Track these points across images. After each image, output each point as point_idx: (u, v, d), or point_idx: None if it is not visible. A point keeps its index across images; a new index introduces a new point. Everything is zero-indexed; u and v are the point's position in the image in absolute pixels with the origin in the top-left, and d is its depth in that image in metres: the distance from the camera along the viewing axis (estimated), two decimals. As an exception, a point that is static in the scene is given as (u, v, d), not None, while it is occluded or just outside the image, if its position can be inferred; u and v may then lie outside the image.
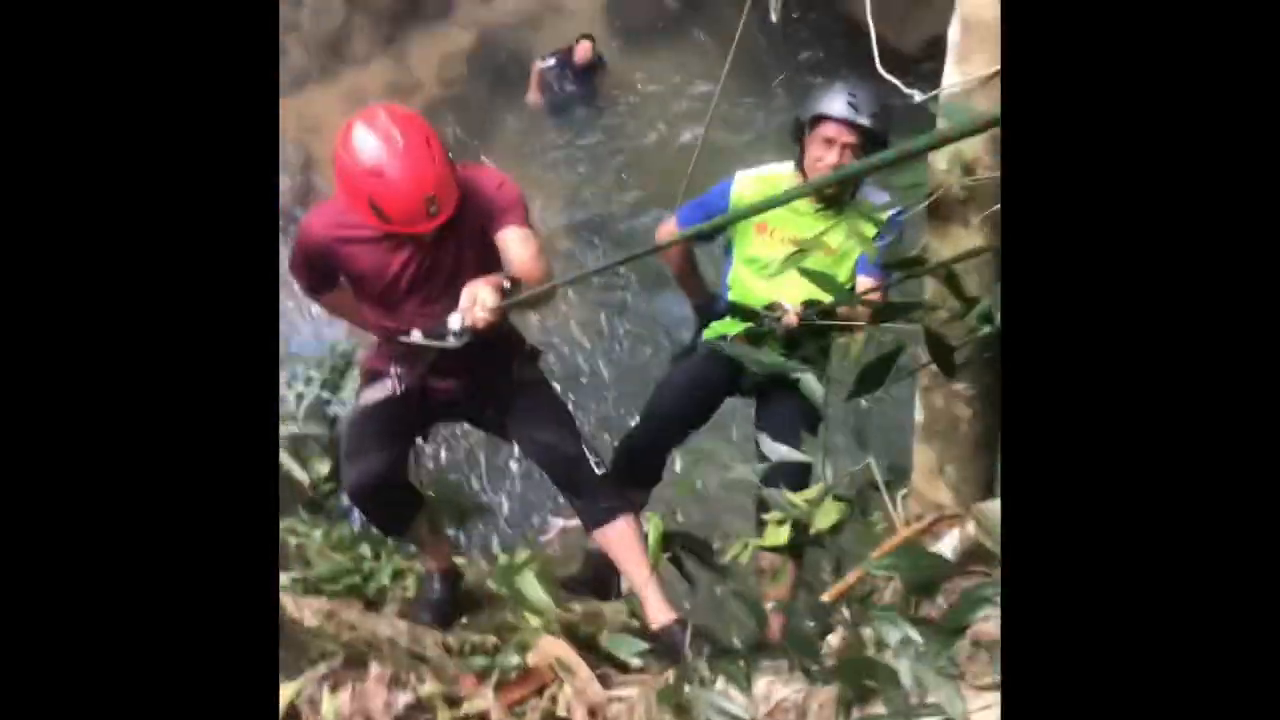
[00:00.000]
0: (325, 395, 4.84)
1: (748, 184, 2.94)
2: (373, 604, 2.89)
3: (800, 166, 2.85)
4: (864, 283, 2.82)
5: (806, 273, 1.68)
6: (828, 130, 2.74)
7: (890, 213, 2.55)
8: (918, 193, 1.83)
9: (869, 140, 2.72)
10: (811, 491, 2.06)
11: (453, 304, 2.44)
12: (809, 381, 1.69)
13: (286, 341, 6.59)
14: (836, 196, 2.84)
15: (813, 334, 2.48)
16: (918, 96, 2.03)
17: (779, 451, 1.85)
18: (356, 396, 2.82)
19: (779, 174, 2.93)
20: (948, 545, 1.49)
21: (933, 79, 2.20)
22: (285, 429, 4.63)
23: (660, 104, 8.93)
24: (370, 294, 2.63)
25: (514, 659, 2.10)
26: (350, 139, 2.39)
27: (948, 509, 1.91)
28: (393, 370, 2.72)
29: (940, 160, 1.79)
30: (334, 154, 2.44)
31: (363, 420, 2.69)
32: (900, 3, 7.90)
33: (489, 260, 2.57)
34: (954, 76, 1.72)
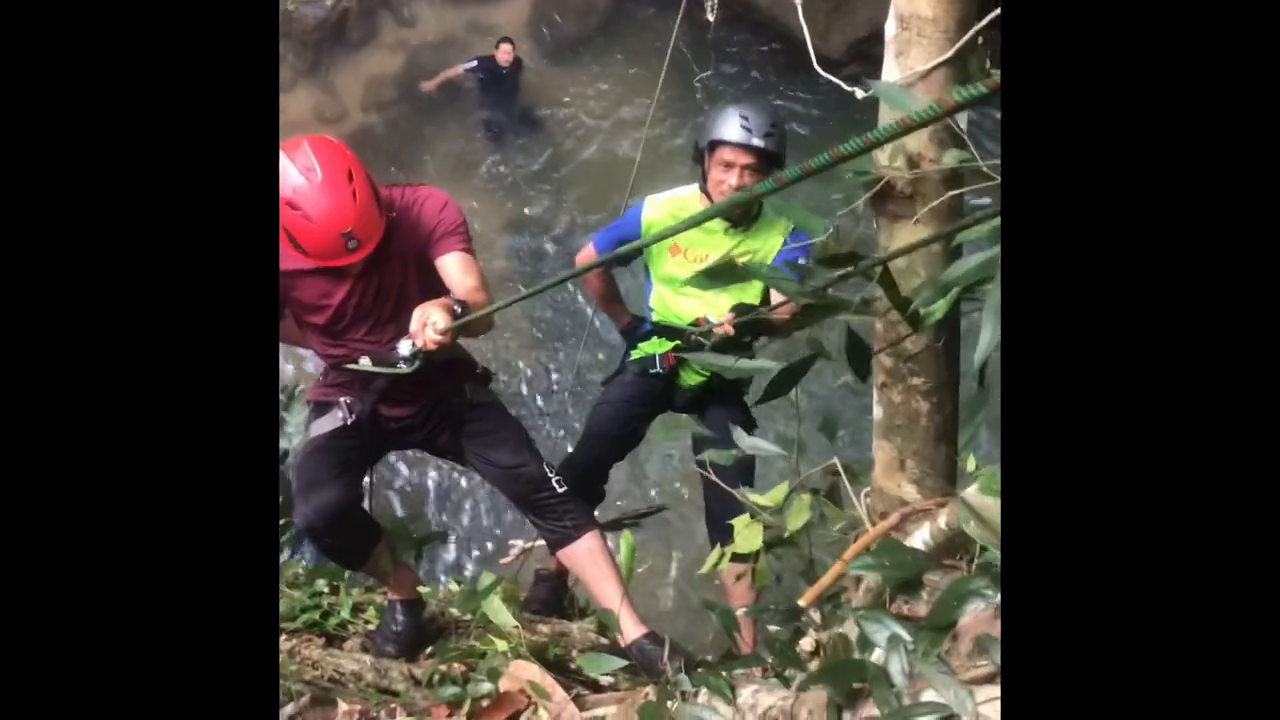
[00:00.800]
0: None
1: (657, 207, 3.04)
2: (333, 639, 2.82)
3: (704, 188, 2.96)
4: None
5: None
6: (725, 154, 2.86)
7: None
8: (861, 180, 1.84)
9: (765, 159, 2.86)
10: (779, 492, 2.06)
11: (400, 329, 2.41)
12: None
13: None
14: (743, 214, 2.96)
15: (742, 340, 2.51)
16: (859, 93, 2.04)
17: (757, 445, 1.84)
18: (306, 429, 2.76)
19: (685, 196, 3.04)
20: (918, 540, 1.48)
21: (857, 81, 2.25)
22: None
23: (589, 119, 8.95)
24: (314, 325, 2.59)
25: (486, 686, 2.06)
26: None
27: (912, 504, 1.92)
28: (342, 400, 2.67)
29: (882, 155, 1.80)
30: None
31: (315, 452, 2.63)
32: (821, 12, 8.02)
33: (433, 283, 2.54)
34: (893, 72, 1.73)
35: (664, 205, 3.04)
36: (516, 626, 2.46)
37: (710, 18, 4.95)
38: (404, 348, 2.35)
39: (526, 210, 8.30)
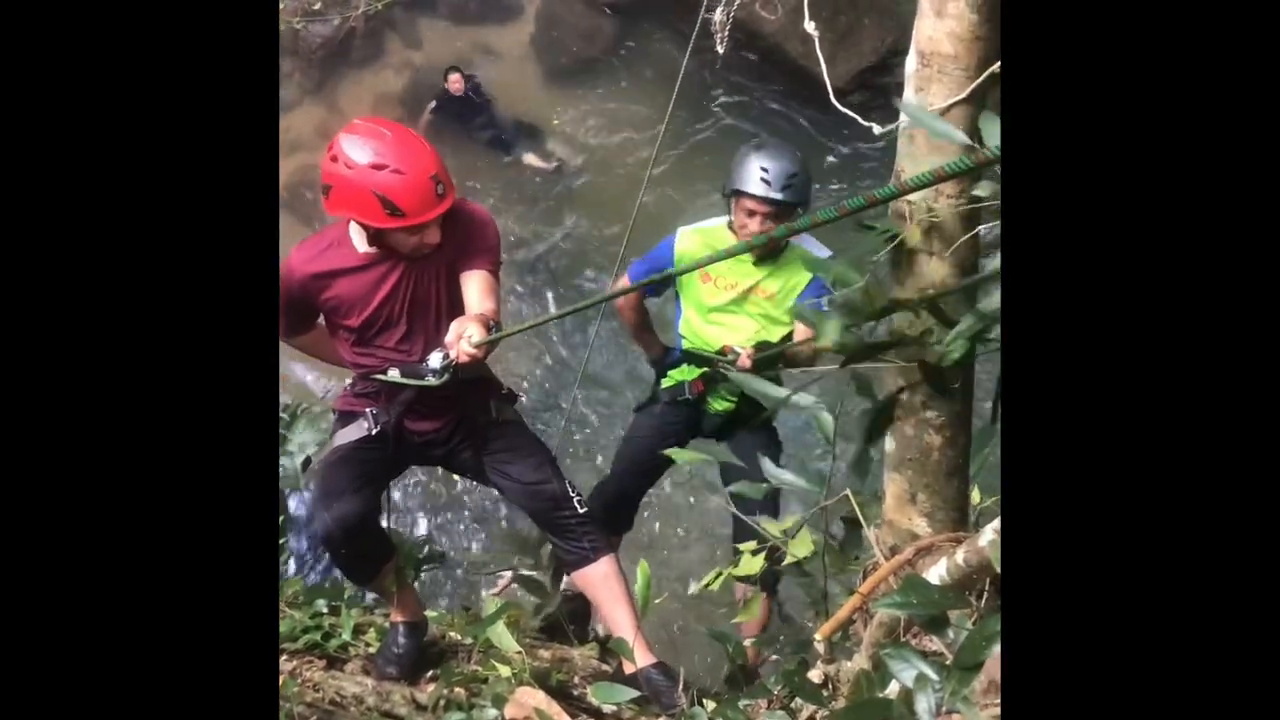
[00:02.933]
0: (271, 449, 4.74)
1: (689, 238, 3.17)
2: (335, 661, 2.80)
3: (730, 224, 3.12)
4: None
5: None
6: (747, 204, 3.01)
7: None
8: (882, 236, 1.84)
9: (785, 206, 2.99)
10: (787, 521, 2.06)
11: (428, 342, 2.46)
12: (821, 414, 1.69)
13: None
14: (773, 248, 3.09)
15: (761, 373, 2.66)
16: (877, 129, 2.05)
17: (784, 477, 1.85)
18: (330, 437, 2.76)
19: (716, 228, 3.17)
20: (934, 575, 1.48)
21: (861, 109, 2.27)
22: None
23: (594, 141, 8.98)
24: (348, 329, 2.60)
25: (490, 712, 2.05)
26: (340, 149, 2.40)
27: (923, 538, 1.91)
28: (367, 410, 2.68)
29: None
30: (321, 177, 2.44)
31: (338, 462, 2.63)
32: (827, 41, 8.07)
33: (458, 298, 2.56)
34: (914, 107, 1.73)
35: (696, 236, 3.16)
36: (519, 652, 2.45)
37: (720, 50, 5.00)
38: (435, 359, 2.36)
39: (529, 231, 8.31)
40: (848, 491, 1.75)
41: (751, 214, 3.01)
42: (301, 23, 9.11)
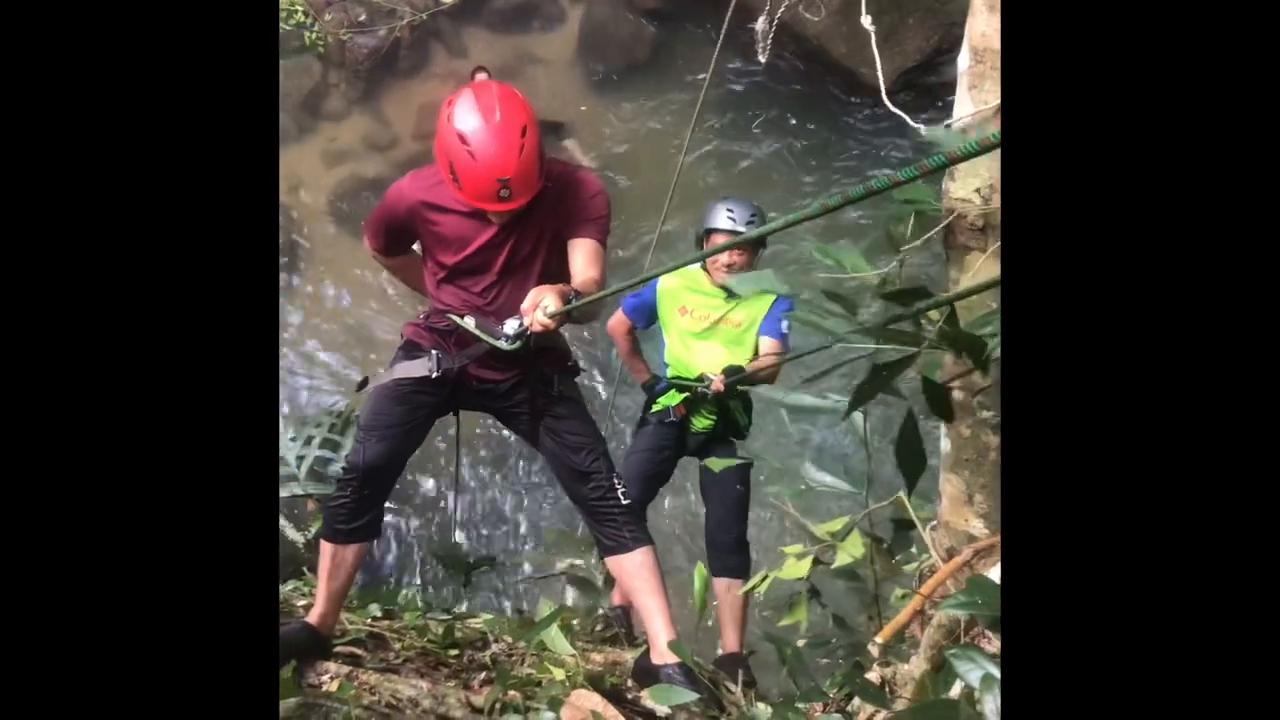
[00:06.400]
0: (328, 454, 4.81)
1: (669, 278, 3.79)
2: (390, 665, 2.83)
3: (704, 266, 3.75)
4: (766, 343, 3.70)
5: None
6: (717, 239, 3.64)
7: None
8: (912, 209, 1.83)
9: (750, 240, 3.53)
10: (836, 523, 2.04)
11: (512, 295, 2.54)
12: (854, 416, 1.68)
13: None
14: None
15: (733, 392, 3.58)
16: (923, 130, 2.04)
17: (824, 480, 1.86)
18: (391, 365, 2.78)
19: (691, 271, 3.81)
20: (993, 577, 1.47)
21: (907, 109, 2.25)
22: (286, 490, 4.59)
23: (638, 146, 8.98)
24: (440, 264, 2.66)
25: (547, 715, 2.06)
26: (456, 101, 2.48)
27: (980, 539, 1.89)
28: (434, 352, 2.70)
29: (954, 186, 1.79)
30: (439, 118, 2.52)
31: (391, 398, 2.66)
32: (870, 42, 8.00)
33: (560, 265, 2.62)
34: (966, 104, 1.73)
35: (674, 276, 3.78)
36: (574, 655, 2.46)
37: (762, 59, 4.98)
38: (511, 326, 2.42)
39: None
40: (901, 494, 1.73)
41: None
42: (348, 34, 9.23)
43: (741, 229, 3.60)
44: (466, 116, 2.44)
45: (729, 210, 3.70)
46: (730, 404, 3.72)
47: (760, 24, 5.25)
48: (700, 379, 3.63)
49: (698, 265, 3.79)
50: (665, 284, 3.80)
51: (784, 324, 3.68)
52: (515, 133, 2.44)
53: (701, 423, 3.81)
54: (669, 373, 3.84)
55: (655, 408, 3.88)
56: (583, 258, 2.56)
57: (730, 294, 3.63)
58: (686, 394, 3.70)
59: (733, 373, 3.55)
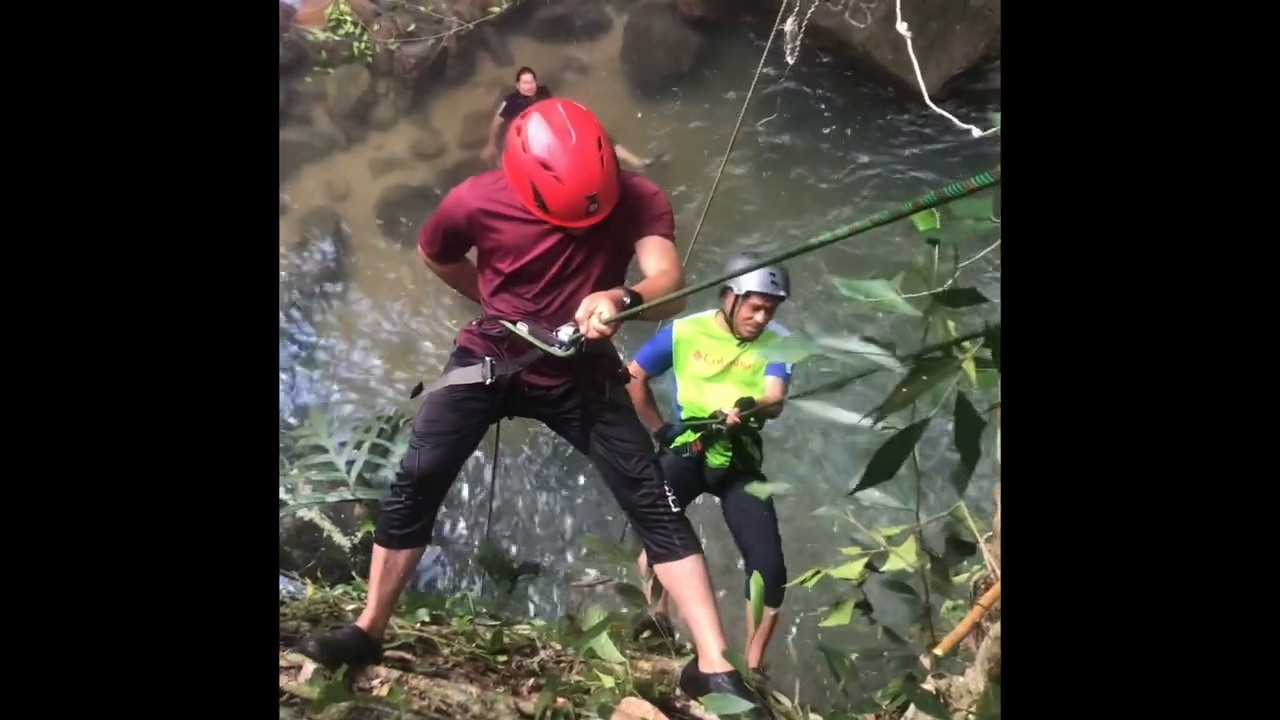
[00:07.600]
0: (376, 460, 4.85)
1: (684, 326, 4.09)
2: (440, 670, 2.84)
3: (723, 312, 3.99)
4: (772, 381, 3.99)
5: None
6: (756, 300, 3.89)
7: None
8: (982, 228, 1.81)
9: (777, 299, 3.90)
10: (893, 529, 2.03)
11: (567, 302, 2.55)
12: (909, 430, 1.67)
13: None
14: (753, 332, 3.99)
15: (748, 423, 3.85)
16: (976, 133, 2.02)
17: (872, 497, 1.84)
18: (445, 372, 2.79)
19: (705, 317, 4.09)
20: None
21: (955, 116, 2.23)
22: (335, 495, 4.64)
23: (682, 154, 8.99)
24: (497, 271, 2.67)
25: (597, 722, 2.06)
26: (527, 127, 2.48)
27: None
28: (487, 359, 2.72)
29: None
30: (508, 143, 2.53)
31: (445, 405, 2.68)
32: (917, 49, 7.96)
33: (616, 269, 2.64)
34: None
35: (689, 324, 4.07)
36: (623, 662, 2.46)
37: (790, 60, 4.99)
38: (565, 333, 2.44)
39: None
40: (960, 503, 1.72)
41: (758, 308, 3.89)
42: (396, 44, 9.34)
43: (781, 292, 3.86)
44: (544, 142, 2.44)
45: (771, 275, 3.87)
46: (743, 438, 3.95)
47: (789, 25, 5.25)
48: (714, 415, 3.86)
49: (712, 315, 4.08)
50: (681, 332, 4.07)
51: (788, 365, 3.98)
52: (594, 148, 2.46)
53: (717, 459, 4.00)
54: (683, 414, 4.06)
55: (675, 443, 4.06)
56: (654, 255, 2.58)
57: (744, 339, 3.94)
58: (702, 431, 3.92)
59: (746, 405, 3.79)
